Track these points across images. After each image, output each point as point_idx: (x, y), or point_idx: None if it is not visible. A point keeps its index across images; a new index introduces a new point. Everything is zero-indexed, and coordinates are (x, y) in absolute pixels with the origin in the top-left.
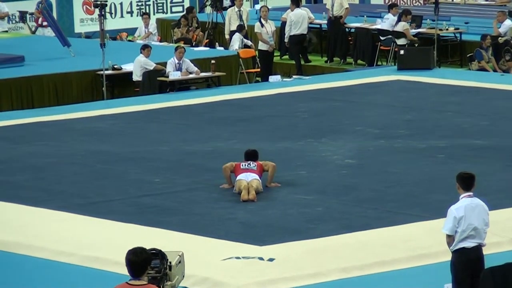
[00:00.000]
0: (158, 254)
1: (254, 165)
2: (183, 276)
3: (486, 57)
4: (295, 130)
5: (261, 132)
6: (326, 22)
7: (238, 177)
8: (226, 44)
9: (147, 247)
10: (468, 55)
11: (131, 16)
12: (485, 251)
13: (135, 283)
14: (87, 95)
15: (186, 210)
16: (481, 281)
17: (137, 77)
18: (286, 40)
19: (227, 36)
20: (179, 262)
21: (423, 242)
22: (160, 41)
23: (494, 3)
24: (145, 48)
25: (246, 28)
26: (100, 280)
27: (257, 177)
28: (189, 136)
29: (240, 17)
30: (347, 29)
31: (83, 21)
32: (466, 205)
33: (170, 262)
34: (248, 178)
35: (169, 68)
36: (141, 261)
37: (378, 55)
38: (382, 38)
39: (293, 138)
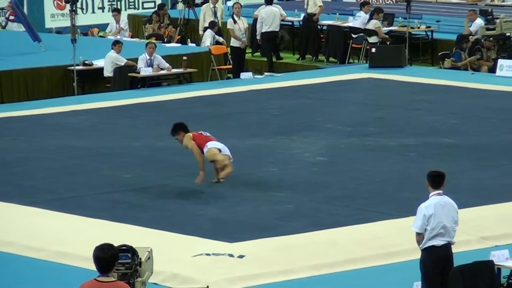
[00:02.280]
0: (129, 250)
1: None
2: (152, 272)
3: (464, 58)
4: (266, 127)
5: (232, 128)
6: (299, 19)
7: (210, 145)
8: (198, 41)
9: (118, 243)
10: (439, 53)
11: (103, 11)
12: (454, 249)
13: (103, 280)
14: (58, 90)
15: (157, 206)
16: (450, 279)
17: (108, 73)
18: (258, 37)
19: (201, 32)
20: (148, 258)
21: (393, 240)
22: (132, 37)
23: (465, 2)
24: (116, 44)
25: (220, 25)
26: (69, 276)
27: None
28: (161, 132)
29: (215, 13)
30: (319, 27)
31: (54, 16)
32: (436, 203)
33: (140, 258)
34: (225, 151)
35: (141, 64)
36: (108, 257)
37: (350, 52)
38: (354, 36)
39: (264, 135)
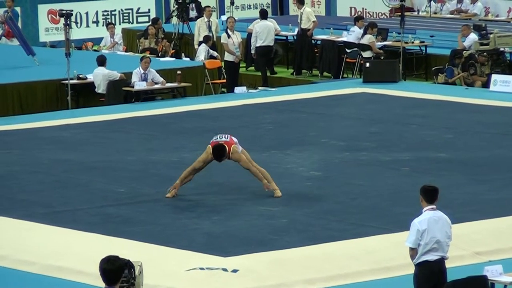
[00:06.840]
0: (127, 264)
1: (226, 136)
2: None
3: (456, 74)
4: (260, 142)
5: None
6: (293, 34)
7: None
8: (192, 55)
9: None
10: (433, 68)
11: (97, 25)
12: (448, 264)
13: None
14: (52, 104)
15: (151, 220)
16: None
17: (100, 90)
18: (252, 51)
19: (196, 46)
20: (140, 272)
21: (387, 255)
22: (126, 51)
23: (459, 17)
24: (104, 62)
25: (214, 39)
26: None
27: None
28: (154, 146)
29: (209, 27)
30: (313, 41)
31: (48, 30)
32: (429, 218)
33: (135, 272)
34: None
35: (135, 78)
36: (116, 268)
37: (344, 67)
38: (348, 50)
39: (258, 150)
